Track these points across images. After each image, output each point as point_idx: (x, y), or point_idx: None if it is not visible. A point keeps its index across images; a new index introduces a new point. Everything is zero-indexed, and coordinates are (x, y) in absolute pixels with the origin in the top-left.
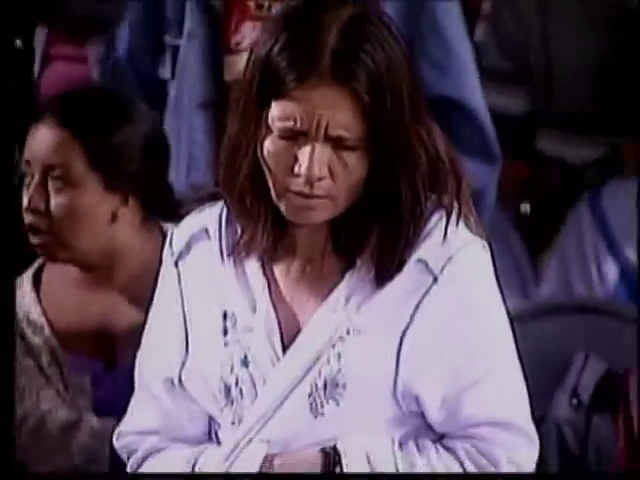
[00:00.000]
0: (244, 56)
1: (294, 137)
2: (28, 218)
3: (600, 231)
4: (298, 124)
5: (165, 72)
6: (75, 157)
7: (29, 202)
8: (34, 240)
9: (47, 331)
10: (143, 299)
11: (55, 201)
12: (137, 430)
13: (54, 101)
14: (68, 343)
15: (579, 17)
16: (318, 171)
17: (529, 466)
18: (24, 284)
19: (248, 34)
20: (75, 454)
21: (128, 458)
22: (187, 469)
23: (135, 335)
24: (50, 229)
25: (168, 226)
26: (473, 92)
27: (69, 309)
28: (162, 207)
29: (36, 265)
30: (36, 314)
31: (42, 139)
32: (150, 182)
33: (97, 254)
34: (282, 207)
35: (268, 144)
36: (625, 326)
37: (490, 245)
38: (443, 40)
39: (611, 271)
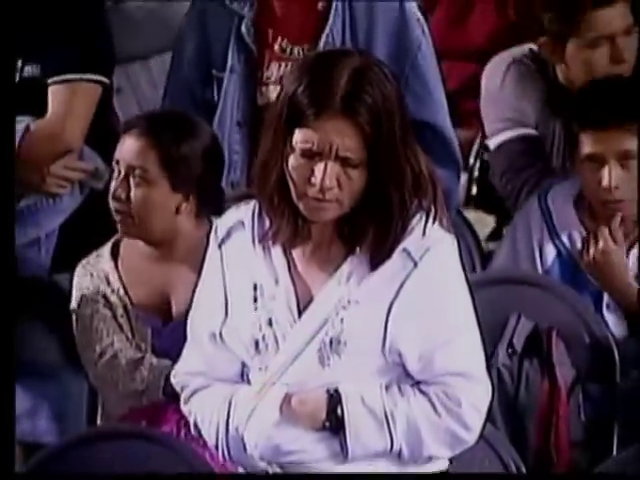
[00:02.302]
0: (272, 87)
1: (312, 156)
2: (112, 203)
3: (545, 222)
4: (315, 147)
5: (212, 97)
6: (151, 162)
7: (114, 191)
8: (116, 218)
9: (122, 291)
10: (194, 271)
11: (134, 193)
12: (188, 371)
13: (139, 118)
14: (136, 301)
15: None
16: (329, 182)
17: (483, 405)
18: (104, 254)
19: (275, 70)
20: (138, 383)
21: (182, 391)
22: (225, 403)
23: (186, 299)
24: (129, 213)
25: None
26: (444, 117)
27: (138, 276)
28: (214, 204)
29: (113, 240)
30: (113, 278)
31: (129, 146)
32: (207, 186)
33: (162, 235)
34: (301, 207)
35: (292, 160)
36: (553, 296)
37: (458, 239)
38: (422, 79)
39: (550, 253)
